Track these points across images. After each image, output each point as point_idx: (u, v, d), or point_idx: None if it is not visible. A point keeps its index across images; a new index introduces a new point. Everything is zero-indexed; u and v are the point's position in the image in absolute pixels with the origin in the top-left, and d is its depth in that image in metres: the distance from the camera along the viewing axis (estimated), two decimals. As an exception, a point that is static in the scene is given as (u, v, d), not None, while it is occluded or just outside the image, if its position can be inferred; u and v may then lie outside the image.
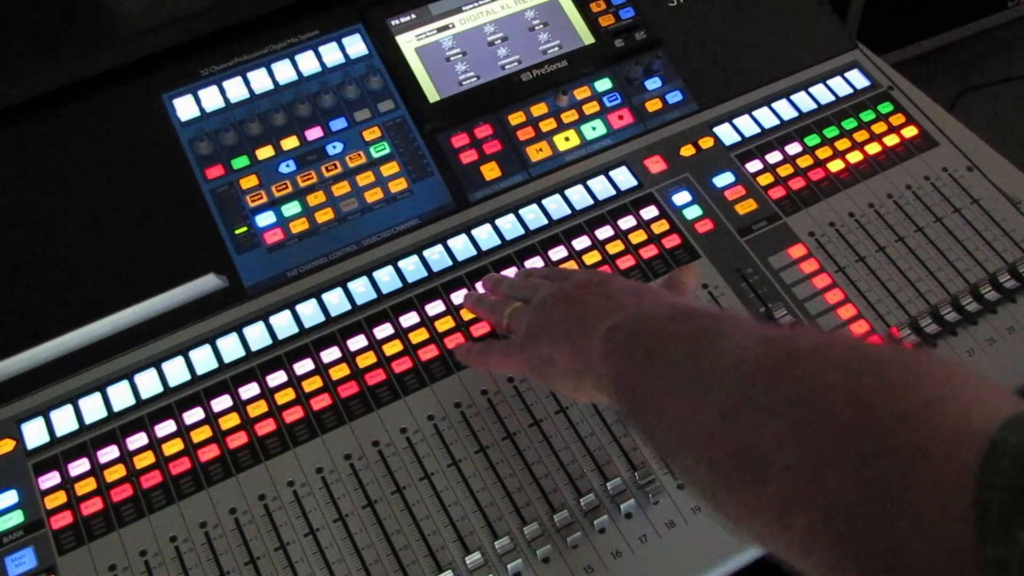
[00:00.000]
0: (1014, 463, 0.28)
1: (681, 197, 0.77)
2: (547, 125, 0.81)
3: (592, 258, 0.73)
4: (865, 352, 0.38)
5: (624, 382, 0.48)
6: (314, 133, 0.78)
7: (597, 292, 0.55)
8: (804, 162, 0.80)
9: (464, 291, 0.71)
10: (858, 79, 0.85)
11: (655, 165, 0.79)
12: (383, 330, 0.69)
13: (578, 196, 0.77)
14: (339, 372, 0.67)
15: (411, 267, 0.73)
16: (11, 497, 0.62)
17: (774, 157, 0.80)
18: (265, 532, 0.60)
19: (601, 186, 0.78)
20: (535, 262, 0.73)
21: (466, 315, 0.70)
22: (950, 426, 0.31)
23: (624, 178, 0.78)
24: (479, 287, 0.71)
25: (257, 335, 0.69)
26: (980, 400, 0.33)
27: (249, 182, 0.75)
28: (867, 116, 0.83)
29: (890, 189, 0.78)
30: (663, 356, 0.45)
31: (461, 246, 0.74)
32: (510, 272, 0.72)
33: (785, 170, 0.79)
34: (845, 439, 0.34)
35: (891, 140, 0.81)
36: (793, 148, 0.81)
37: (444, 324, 0.70)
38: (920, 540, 0.30)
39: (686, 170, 0.79)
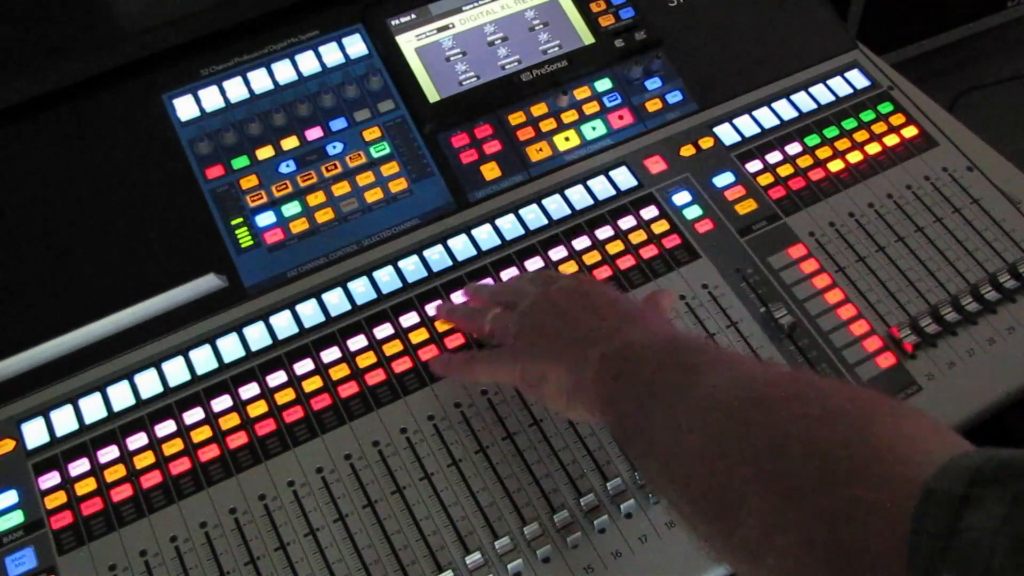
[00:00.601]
0: (939, 509, 0.30)
1: (681, 197, 0.77)
2: (547, 125, 0.81)
3: (592, 258, 0.73)
4: (827, 401, 0.40)
5: (615, 410, 0.50)
6: (314, 133, 0.78)
7: (585, 305, 0.56)
8: (804, 162, 0.80)
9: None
10: (858, 79, 0.85)
11: (655, 165, 0.79)
12: (383, 330, 0.69)
13: (578, 196, 0.77)
14: (339, 372, 0.67)
15: (411, 267, 0.73)
16: (11, 497, 0.62)
17: (774, 157, 0.80)
18: (265, 532, 0.60)
19: (601, 186, 0.78)
20: (535, 262, 0.73)
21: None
22: (898, 477, 0.33)
23: (624, 178, 0.78)
24: (454, 297, 0.71)
25: (257, 335, 0.69)
26: (925, 448, 0.35)
27: (249, 182, 0.75)
28: (867, 116, 0.83)
29: (890, 189, 0.78)
30: (650, 391, 0.48)
31: (461, 246, 0.74)
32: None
33: (785, 170, 0.79)
34: (805, 493, 0.36)
35: (891, 140, 0.81)
36: (793, 148, 0.80)
37: (445, 324, 0.70)
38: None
39: (686, 170, 0.79)
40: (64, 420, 0.65)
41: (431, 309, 0.70)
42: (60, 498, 0.62)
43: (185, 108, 0.78)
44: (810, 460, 0.36)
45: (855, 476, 0.35)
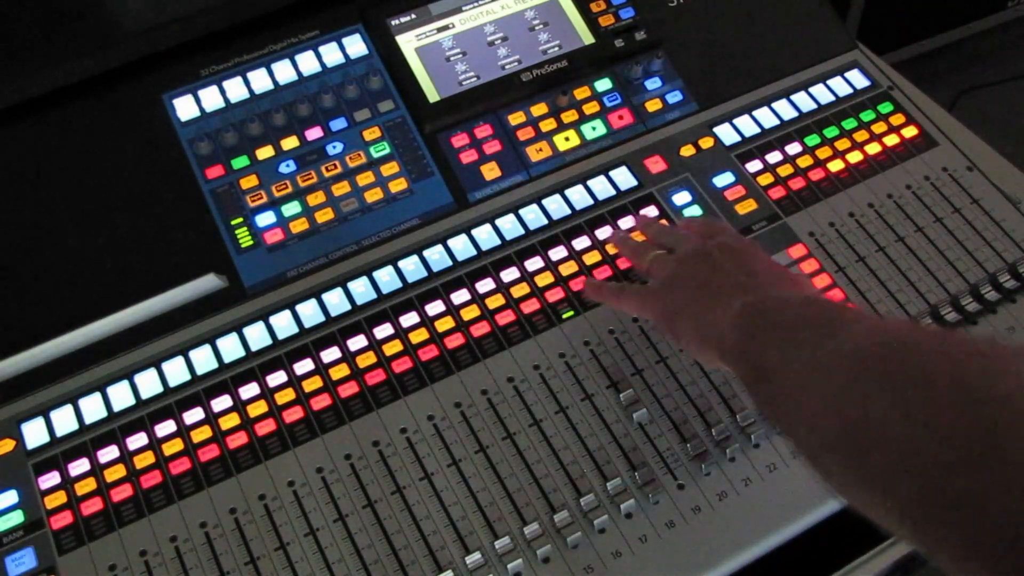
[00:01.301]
0: None
1: (681, 197, 0.77)
2: (547, 125, 0.81)
3: (592, 258, 0.73)
4: (969, 344, 0.43)
5: (750, 356, 0.52)
6: (314, 133, 0.78)
7: (739, 262, 0.59)
8: (804, 162, 0.80)
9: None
10: (858, 79, 0.85)
11: (655, 165, 0.79)
12: (383, 330, 0.69)
13: (578, 196, 0.77)
14: (339, 372, 0.67)
15: (411, 267, 0.73)
16: (11, 497, 0.62)
17: (774, 157, 0.80)
18: (265, 532, 0.60)
19: (601, 186, 0.78)
20: (535, 262, 0.73)
21: (468, 315, 0.70)
22: None
23: (624, 178, 0.78)
24: (623, 223, 0.75)
25: (257, 335, 0.69)
26: None
27: (249, 182, 0.75)
28: (867, 116, 0.83)
29: (890, 189, 0.78)
30: (790, 337, 0.50)
31: (461, 246, 0.74)
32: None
33: (785, 170, 0.79)
34: (949, 418, 0.37)
35: (891, 140, 0.81)
36: (793, 148, 0.81)
37: (444, 324, 0.70)
38: (1007, 503, 0.34)
39: (686, 170, 0.79)
40: (64, 420, 0.65)
41: (431, 309, 0.70)
42: (60, 498, 0.62)
43: (185, 108, 0.78)
44: (953, 388, 0.38)
45: (998, 401, 0.36)
